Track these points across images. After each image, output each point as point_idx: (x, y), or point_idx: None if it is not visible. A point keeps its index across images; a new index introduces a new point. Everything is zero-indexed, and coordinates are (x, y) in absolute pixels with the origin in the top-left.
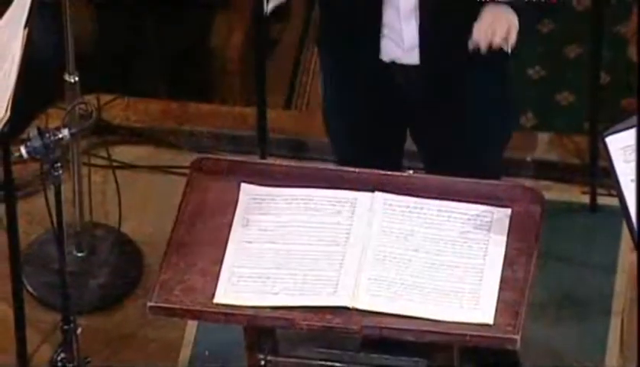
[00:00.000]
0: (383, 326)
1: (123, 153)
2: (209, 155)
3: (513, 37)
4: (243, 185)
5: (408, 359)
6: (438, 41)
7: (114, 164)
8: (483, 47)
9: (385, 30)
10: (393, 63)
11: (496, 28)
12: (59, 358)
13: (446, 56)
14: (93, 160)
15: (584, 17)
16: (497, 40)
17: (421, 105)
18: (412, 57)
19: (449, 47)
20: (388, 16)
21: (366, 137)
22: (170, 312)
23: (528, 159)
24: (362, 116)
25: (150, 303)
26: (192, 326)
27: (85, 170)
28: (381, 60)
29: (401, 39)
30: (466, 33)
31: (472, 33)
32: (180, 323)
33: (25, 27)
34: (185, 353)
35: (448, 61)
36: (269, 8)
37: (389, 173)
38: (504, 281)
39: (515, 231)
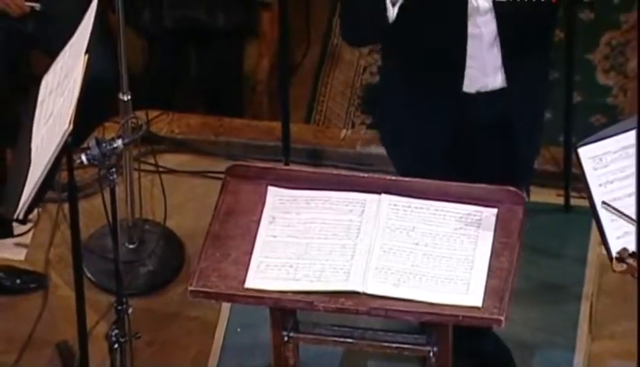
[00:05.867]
0: (387, 308)
1: (168, 160)
2: (241, 162)
3: None
4: (270, 188)
5: (409, 336)
6: (520, 60)
7: (161, 169)
8: None
9: (469, 62)
10: (478, 93)
11: None
12: (113, 333)
13: (527, 71)
14: (143, 166)
15: (559, 47)
16: None
17: (495, 124)
18: (496, 81)
19: (529, 62)
20: (471, 49)
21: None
22: (208, 295)
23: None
24: (435, 143)
25: (190, 288)
26: (226, 307)
27: (135, 174)
28: (464, 92)
29: (484, 66)
30: (541, 46)
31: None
32: (216, 304)
33: (85, 53)
34: (221, 330)
35: (529, 76)
36: (394, 11)
37: (393, 178)
38: (491, 270)
39: (501, 228)
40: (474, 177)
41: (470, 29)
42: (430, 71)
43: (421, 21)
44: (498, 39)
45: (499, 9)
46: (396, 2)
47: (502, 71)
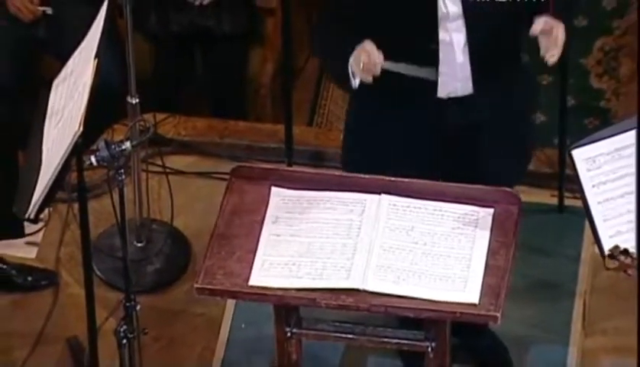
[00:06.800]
0: (387, 305)
1: (174, 161)
2: (245, 164)
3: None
4: (273, 188)
5: (408, 332)
6: (488, 69)
7: (168, 170)
8: (554, 60)
9: (441, 67)
10: (449, 98)
11: (559, 47)
12: (122, 329)
13: (496, 79)
14: (150, 168)
15: None
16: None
17: (472, 129)
18: (466, 88)
19: (498, 71)
20: (443, 54)
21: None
22: (213, 292)
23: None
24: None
25: (196, 285)
26: (231, 304)
27: (143, 175)
28: (437, 97)
29: (455, 72)
30: (512, 56)
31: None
32: (221, 301)
33: (95, 58)
34: (225, 327)
35: (497, 83)
36: (356, 82)
37: (392, 179)
38: (488, 268)
39: (497, 227)
40: (460, 178)
41: (441, 35)
42: (404, 76)
43: (394, 27)
44: (467, 47)
45: (468, 15)
46: (356, 76)
47: (471, 79)
